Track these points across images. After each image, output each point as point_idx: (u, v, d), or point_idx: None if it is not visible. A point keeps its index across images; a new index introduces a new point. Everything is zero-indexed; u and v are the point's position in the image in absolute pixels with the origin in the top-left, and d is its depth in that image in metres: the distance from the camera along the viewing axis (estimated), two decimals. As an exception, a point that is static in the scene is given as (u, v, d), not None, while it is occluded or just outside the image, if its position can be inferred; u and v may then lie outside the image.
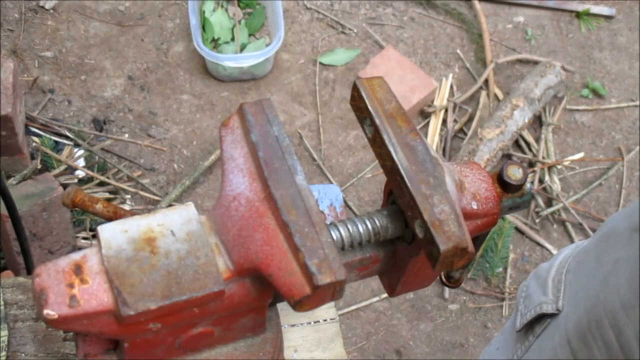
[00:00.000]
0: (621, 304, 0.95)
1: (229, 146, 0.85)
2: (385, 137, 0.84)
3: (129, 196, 2.38)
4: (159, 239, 0.79)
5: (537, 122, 2.69)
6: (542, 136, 2.63)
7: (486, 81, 2.72)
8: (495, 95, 2.70)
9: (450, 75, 2.74)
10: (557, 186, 2.55)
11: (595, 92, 2.78)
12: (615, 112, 2.76)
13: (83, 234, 2.23)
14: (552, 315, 1.12)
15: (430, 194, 0.80)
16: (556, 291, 1.13)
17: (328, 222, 0.83)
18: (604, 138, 2.71)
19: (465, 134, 2.62)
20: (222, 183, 0.84)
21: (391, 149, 0.83)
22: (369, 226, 0.85)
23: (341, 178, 2.52)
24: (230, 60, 2.55)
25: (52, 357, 1.07)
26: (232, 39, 2.68)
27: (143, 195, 2.38)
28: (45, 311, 0.74)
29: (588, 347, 1.02)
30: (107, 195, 2.35)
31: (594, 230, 2.43)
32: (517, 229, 2.47)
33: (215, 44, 2.68)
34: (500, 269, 2.39)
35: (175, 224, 0.80)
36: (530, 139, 2.63)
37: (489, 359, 1.32)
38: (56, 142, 2.40)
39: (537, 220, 2.51)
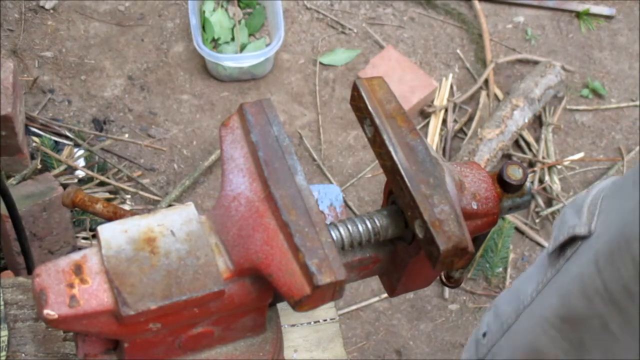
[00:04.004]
0: None
1: (229, 146, 0.85)
2: (385, 137, 0.84)
3: (129, 196, 2.38)
4: (159, 239, 0.79)
5: (537, 122, 2.69)
6: (542, 136, 2.63)
7: (486, 81, 2.72)
8: (495, 95, 2.70)
9: (450, 75, 2.74)
10: (557, 186, 2.55)
11: (595, 92, 2.78)
12: (615, 112, 2.76)
13: (83, 234, 2.23)
14: (583, 238, 1.14)
15: (430, 194, 0.80)
16: (590, 216, 1.14)
17: (328, 222, 0.83)
18: (604, 138, 2.71)
19: (465, 134, 2.62)
20: (222, 183, 0.84)
21: (391, 149, 0.83)
22: (369, 226, 0.85)
23: (341, 178, 2.52)
24: (230, 60, 2.55)
25: (52, 357, 1.07)
26: (232, 39, 2.68)
27: (143, 195, 2.38)
28: (45, 311, 0.74)
29: (614, 265, 1.02)
30: (107, 195, 2.35)
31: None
32: (517, 229, 2.47)
33: (215, 44, 2.68)
34: (500, 269, 2.39)
35: (175, 224, 0.81)
36: (530, 139, 2.63)
37: (519, 285, 1.33)
38: (56, 142, 2.40)
39: (537, 220, 2.51)
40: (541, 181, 2.56)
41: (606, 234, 1.08)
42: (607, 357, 1.08)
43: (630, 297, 1.01)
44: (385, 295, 2.31)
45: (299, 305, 0.76)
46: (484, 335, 1.37)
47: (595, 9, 2.95)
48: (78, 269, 0.77)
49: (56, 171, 2.31)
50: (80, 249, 2.12)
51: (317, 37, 2.77)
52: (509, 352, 1.29)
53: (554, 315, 1.16)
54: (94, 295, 0.76)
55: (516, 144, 2.63)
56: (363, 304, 2.32)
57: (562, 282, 1.17)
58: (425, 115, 2.66)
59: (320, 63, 2.71)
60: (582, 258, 1.13)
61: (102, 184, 2.36)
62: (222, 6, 2.73)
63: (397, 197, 0.84)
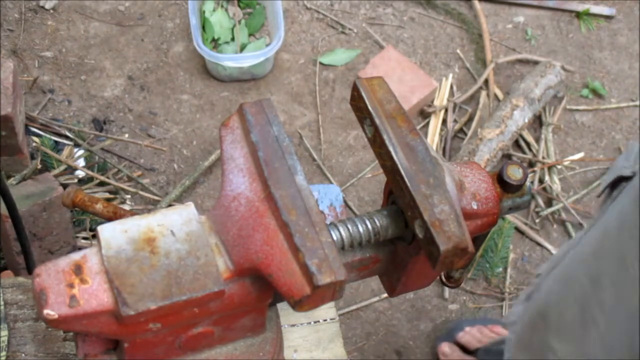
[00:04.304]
0: None
1: (229, 146, 0.85)
2: (385, 137, 0.84)
3: (129, 196, 2.38)
4: (159, 239, 0.79)
5: (537, 122, 2.69)
6: (542, 136, 2.63)
7: (486, 81, 2.72)
8: (495, 95, 2.70)
9: (450, 75, 2.74)
10: (557, 186, 2.55)
11: (595, 92, 2.78)
12: (615, 112, 2.76)
13: (83, 234, 2.23)
14: (628, 179, 1.19)
15: (430, 194, 0.80)
16: (636, 158, 1.19)
17: (328, 222, 0.83)
18: (604, 138, 2.70)
19: (465, 134, 2.62)
20: (222, 183, 0.84)
21: (391, 149, 0.83)
22: (369, 226, 0.85)
23: (341, 178, 2.52)
24: (230, 60, 2.55)
25: (52, 357, 1.07)
26: (232, 39, 2.68)
27: (143, 195, 2.38)
28: (45, 311, 0.74)
29: None
30: (107, 195, 2.35)
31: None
32: (517, 229, 2.47)
33: (215, 44, 2.68)
34: (500, 269, 2.39)
35: (175, 224, 0.81)
36: (530, 139, 2.63)
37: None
38: (56, 142, 2.40)
39: (537, 220, 2.51)
40: (541, 181, 2.56)
41: None
42: (618, 295, 1.11)
43: None
44: (385, 295, 2.31)
45: (299, 305, 0.76)
46: (537, 276, 1.43)
47: (595, 9, 2.94)
48: (78, 269, 0.77)
49: (56, 171, 2.31)
50: (80, 249, 2.12)
51: (317, 37, 2.77)
52: (549, 283, 1.35)
53: (590, 251, 1.21)
54: (94, 295, 0.76)
55: (516, 144, 2.63)
56: (363, 304, 2.32)
57: (605, 221, 1.21)
58: (425, 115, 2.66)
59: (320, 63, 2.71)
60: (624, 197, 1.18)
61: (102, 184, 2.36)
62: (222, 6, 2.73)
63: (397, 197, 0.84)
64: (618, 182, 1.22)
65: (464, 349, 2.16)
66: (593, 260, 1.20)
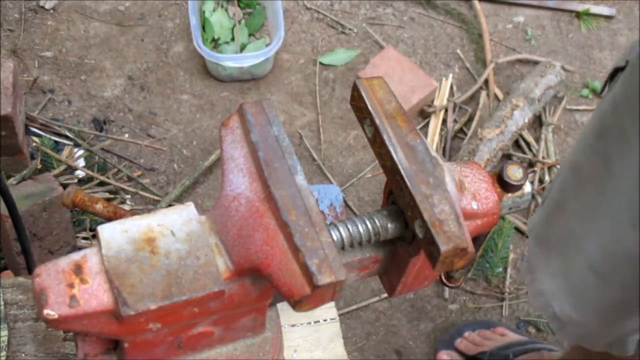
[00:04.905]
0: None
1: (229, 146, 0.85)
2: (385, 137, 0.84)
3: (129, 196, 2.38)
4: (159, 239, 0.79)
5: (537, 122, 2.69)
6: (542, 136, 2.63)
7: (486, 81, 2.72)
8: (495, 95, 2.70)
9: (450, 75, 2.74)
10: (557, 186, 2.55)
11: (595, 92, 2.78)
12: (615, 112, 2.76)
13: (83, 234, 2.23)
14: (622, 69, 1.27)
15: (430, 194, 0.80)
16: (630, 49, 1.28)
17: (328, 222, 0.83)
18: (604, 138, 2.71)
19: (465, 134, 2.62)
20: (222, 183, 0.84)
21: (391, 149, 0.83)
22: (369, 226, 0.85)
23: (341, 178, 2.52)
24: (230, 60, 2.55)
25: (52, 357, 1.07)
26: (232, 39, 2.68)
27: (143, 195, 2.38)
28: (45, 311, 0.74)
29: (633, 74, 1.19)
30: (107, 195, 2.35)
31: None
32: (517, 229, 2.47)
33: (215, 44, 2.68)
34: (500, 269, 2.39)
35: (175, 224, 0.81)
36: (530, 139, 2.63)
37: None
38: (56, 142, 2.40)
39: (537, 220, 2.51)
40: (541, 181, 2.56)
41: (634, 56, 1.22)
42: (621, 165, 1.23)
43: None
44: (385, 295, 2.31)
45: (299, 305, 0.76)
46: (550, 182, 1.55)
47: (595, 9, 2.94)
48: (78, 269, 0.77)
49: (56, 171, 2.31)
50: (80, 249, 2.12)
51: (317, 37, 2.77)
52: (559, 179, 1.44)
53: (592, 134, 1.31)
54: (94, 295, 0.76)
55: (516, 144, 2.63)
56: (363, 304, 2.32)
57: (601, 107, 1.31)
58: (425, 115, 2.65)
59: (320, 63, 2.71)
60: (617, 82, 1.26)
61: (102, 184, 2.36)
62: (222, 6, 2.73)
63: (397, 197, 0.84)
64: (615, 75, 1.31)
65: (464, 354, 2.16)
66: (596, 142, 1.29)
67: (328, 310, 1.18)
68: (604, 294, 1.35)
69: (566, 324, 1.46)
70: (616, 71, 1.31)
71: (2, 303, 1.10)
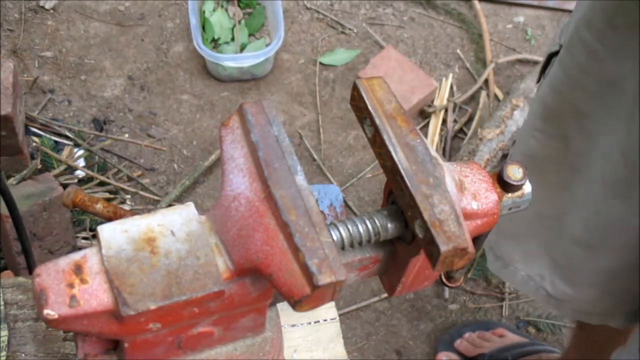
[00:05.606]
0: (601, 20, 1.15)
1: (229, 146, 0.84)
2: (385, 137, 0.83)
3: (129, 196, 2.38)
4: (159, 239, 0.79)
5: (537, 122, 2.69)
6: (542, 136, 2.63)
7: (486, 81, 2.72)
8: (495, 95, 2.70)
9: (450, 75, 2.74)
10: (557, 186, 2.55)
11: (595, 92, 2.78)
12: (615, 112, 2.76)
13: (83, 234, 2.23)
14: (556, 54, 1.30)
15: (430, 194, 0.80)
16: (561, 33, 1.31)
17: (328, 222, 0.83)
18: (604, 138, 2.71)
19: (465, 134, 2.62)
20: (222, 183, 0.84)
21: (391, 149, 0.83)
22: (369, 226, 0.85)
23: (341, 178, 2.52)
24: (230, 60, 2.55)
25: (52, 357, 1.07)
26: (232, 39, 2.68)
27: (143, 195, 2.38)
28: (45, 311, 0.74)
29: (570, 52, 1.23)
30: (107, 195, 2.35)
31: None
32: (517, 229, 2.47)
33: (215, 44, 2.68)
34: (500, 269, 2.39)
35: (175, 224, 0.80)
36: (530, 139, 2.63)
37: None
38: (56, 142, 2.40)
39: (537, 220, 2.51)
40: (541, 181, 2.56)
41: (566, 38, 1.26)
42: (586, 139, 1.26)
43: (585, 72, 1.20)
44: (385, 295, 2.31)
45: (299, 305, 0.76)
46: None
47: (595, 9, 2.95)
48: (78, 269, 0.77)
49: (56, 171, 2.31)
50: (80, 249, 2.12)
51: (317, 37, 2.77)
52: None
53: (538, 118, 1.35)
54: (94, 295, 0.75)
55: (516, 144, 2.63)
56: (363, 304, 2.32)
57: (541, 92, 1.34)
58: (425, 115, 2.65)
59: (320, 63, 2.71)
60: (553, 68, 1.30)
61: (102, 184, 2.36)
62: (222, 6, 2.73)
63: (397, 197, 0.84)
64: (549, 62, 1.33)
65: (463, 355, 2.17)
66: (546, 125, 1.33)
67: (328, 310, 1.18)
68: (595, 262, 1.36)
69: (562, 300, 1.47)
70: (550, 57, 1.33)
71: (2, 303, 1.10)
